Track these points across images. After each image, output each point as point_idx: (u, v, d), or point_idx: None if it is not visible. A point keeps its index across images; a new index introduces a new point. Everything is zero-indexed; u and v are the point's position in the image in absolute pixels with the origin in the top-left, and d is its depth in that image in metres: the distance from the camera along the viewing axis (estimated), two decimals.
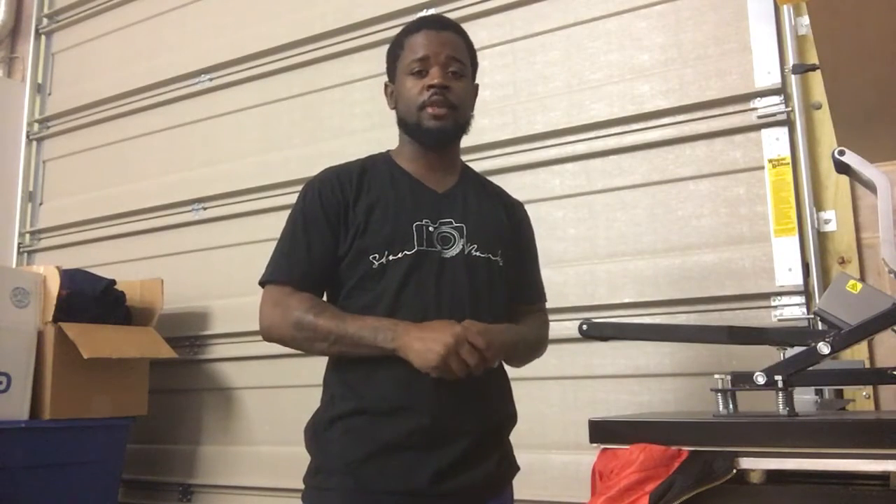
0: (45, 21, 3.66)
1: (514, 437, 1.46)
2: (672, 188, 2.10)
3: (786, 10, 1.96)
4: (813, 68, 1.70)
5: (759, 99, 2.00)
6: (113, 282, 2.64)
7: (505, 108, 2.38)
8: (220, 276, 2.85)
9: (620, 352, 2.06)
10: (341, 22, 2.70)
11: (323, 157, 2.15)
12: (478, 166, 1.86)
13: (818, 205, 1.92)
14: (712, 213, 2.03)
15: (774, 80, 1.98)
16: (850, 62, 1.18)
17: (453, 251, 1.37)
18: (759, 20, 2.02)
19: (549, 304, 1.60)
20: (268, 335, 1.36)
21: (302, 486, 1.37)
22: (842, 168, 1.35)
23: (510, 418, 1.46)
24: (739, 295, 1.95)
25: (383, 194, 1.39)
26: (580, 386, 2.13)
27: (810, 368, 1.25)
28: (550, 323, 1.58)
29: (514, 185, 1.84)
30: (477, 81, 1.51)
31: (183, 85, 3.10)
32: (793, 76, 1.93)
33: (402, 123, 1.44)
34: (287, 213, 1.44)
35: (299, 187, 1.45)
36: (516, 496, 1.46)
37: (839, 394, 1.65)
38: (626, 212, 2.15)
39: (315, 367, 1.46)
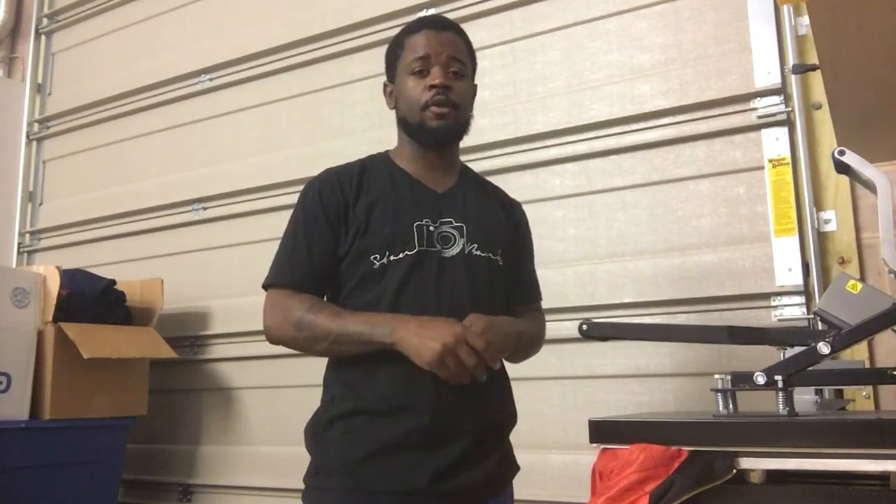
0: (45, 21, 3.66)
1: (514, 437, 1.46)
2: (672, 188, 2.10)
3: (786, 10, 1.96)
4: (813, 68, 1.70)
5: (759, 99, 2.00)
6: (113, 282, 2.64)
7: (505, 108, 2.38)
8: (220, 276, 2.85)
9: (620, 352, 2.06)
10: (341, 22, 2.70)
11: (323, 157, 2.16)
12: (478, 166, 1.87)
13: (818, 205, 1.92)
14: (712, 213, 2.04)
15: (774, 80, 1.98)
16: (850, 62, 1.18)
17: (454, 250, 1.38)
18: (759, 20, 2.02)
19: (549, 304, 1.60)
20: (270, 337, 1.37)
21: (302, 486, 1.37)
22: (842, 168, 1.35)
23: (510, 418, 1.46)
24: (739, 295, 1.95)
25: (383, 194, 1.39)
26: (580, 386, 2.13)
27: (810, 368, 1.25)
28: (551, 323, 1.58)
29: (514, 185, 1.84)
30: (477, 81, 1.51)
31: (183, 85, 3.10)
32: (793, 76, 1.93)
33: (404, 123, 1.44)
34: (287, 213, 1.44)
35: (299, 187, 1.45)
36: (516, 496, 1.46)
37: (839, 394, 1.65)
38: (626, 212, 2.15)
39: (315, 367, 1.46)
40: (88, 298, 2.51)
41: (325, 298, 1.41)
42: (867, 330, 1.20)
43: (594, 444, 1.23)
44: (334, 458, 1.33)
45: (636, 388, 2.05)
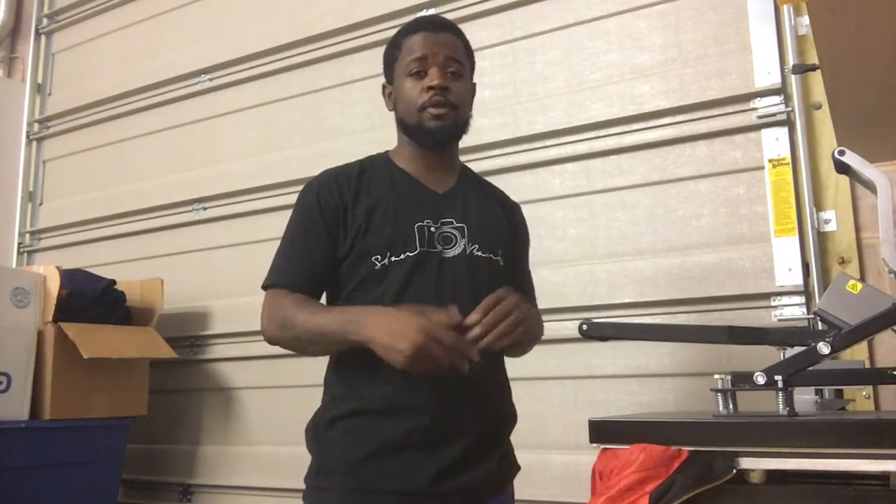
0: (45, 21, 3.66)
1: (514, 437, 1.46)
2: (672, 188, 2.10)
3: (786, 10, 1.96)
4: (813, 68, 1.70)
5: (759, 99, 2.00)
6: (113, 282, 2.64)
7: (505, 108, 2.38)
8: (220, 276, 2.85)
9: (620, 352, 2.06)
10: (341, 22, 2.70)
11: (323, 157, 2.16)
12: (478, 166, 1.87)
13: (818, 205, 1.92)
14: (712, 213, 2.03)
15: (774, 80, 1.98)
16: (850, 62, 1.18)
17: (455, 251, 1.38)
18: (759, 20, 2.02)
19: (549, 304, 1.61)
20: (264, 338, 1.37)
21: (302, 486, 1.37)
22: (842, 168, 1.35)
23: (510, 418, 1.46)
24: (739, 295, 1.95)
25: (383, 195, 1.39)
26: (580, 386, 2.12)
27: (810, 368, 1.25)
28: (551, 323, 1.58)
29: (514, 185, 1.84)
30: (477, 81, 1.51)
31: (183, 85, 3.09)
32: (793, 76, 1.93)
33: (402, 124, 1.44)
34: (287, 213, 1.44)
35: (299, 187, 1.45)
36: (516, 496, 1.46)
37: (839, 394, 1.65)
38: (626, 212, 2.15)
39: (315, 368, 1.46)
40: (88, 298, 2.51)
41: (323, 299, 1.41)
42: (867, 330, 1.20)
43: (594, 444, 1.23)
44: (335, 458, 1.33)
45: (636, 388, 2.05)
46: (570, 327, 1.53)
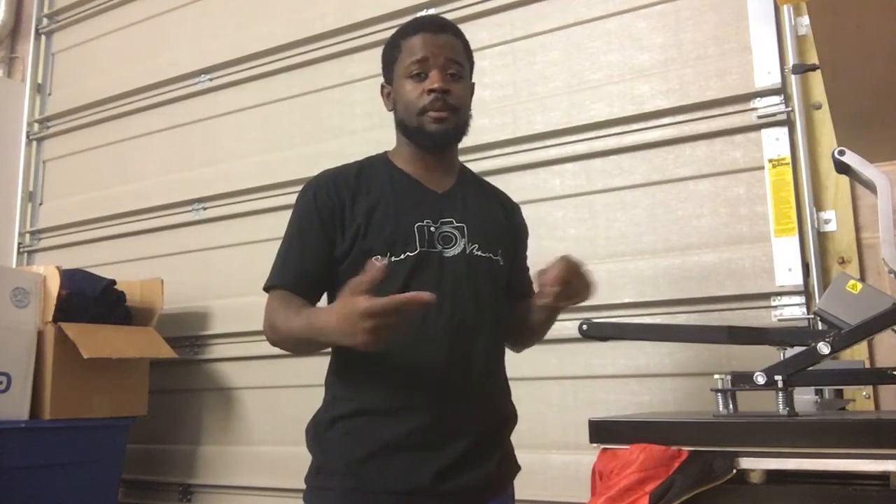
0: (45, 21, 3.66)
1: (514, 437, 1.46)
2: (672, 188, 2.10)
3: (786, 10, 1.96)
4: (813, 68, 1.70)
5: (759, 99, 2.00)
6: (113, 282, 2.64)
7: (505, 108, 2.38)
8: (220, 276, 2.85)
9: (620, 352, 2.06)
10: (341, 22, 2.70)
11: (323, 157, 2.15)
12: (478, 166, 1.87)
13: (818, 205, 1.92)
14: (712, 213, 2.03)
15: (774, 80, 1.98)
16: (850, 62, 1.19)
17: (455, 250, 1.38)
18: (759, 20, 2.02)
19: None
20: (267, 339, 1.38)
21: (302, 486, 1.37)
22: (842, 168, 1.35)
23: (511, 418, 1.46)
24: (739, 295, 1.95)
25: (383, 195, 1.39)
26: (580, 386, 2.12)
27: (810, 368, 1.25)
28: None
29: (514, 185, 1.84)
30: (477, 81, 1.51)
31: (183, 85, 3.09)
32: (793, 76, 1.93)
33: (402, 126, 1.44)
34: (287, 213, 1.44)
35: (299, 187, 1.45)
36: (516, 496, 1.46)
37: (839, 394, 1.65)
38: (626, 212, 2.15)
39: (315, 368, 1.46)
40: (88, 298, 2.51)
41: (324, 300, 1.41)
42: (867, 330, 1.20)
43: (594, 444, 1.23)
44: (335, 458, 1.33)
45: (636, 388, 2.05)
46: (570, 327, 1.52)
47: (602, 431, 1.23)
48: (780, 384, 1.23)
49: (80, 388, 2.40)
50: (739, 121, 2.02)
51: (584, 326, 1.47)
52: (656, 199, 2.11)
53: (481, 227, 1.42)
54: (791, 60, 1.95)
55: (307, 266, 1.37)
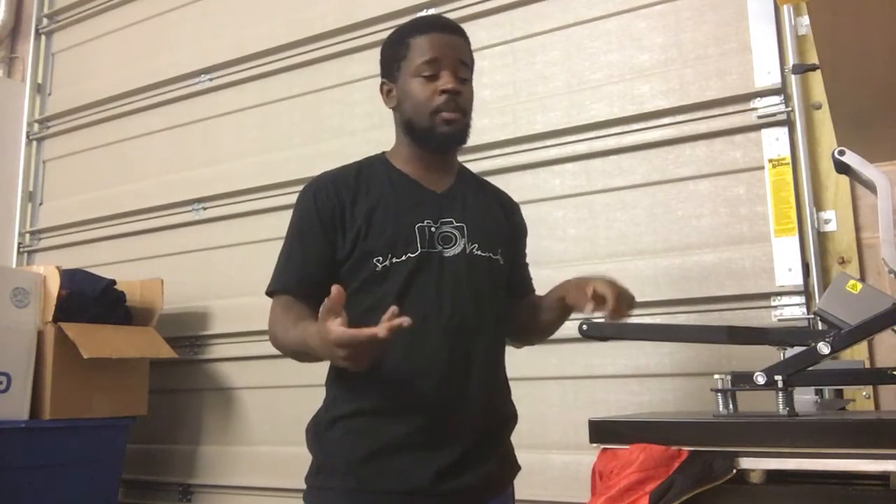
0: (45, 21, 3.66)
1: (514, 437, 1.46)
2: (672, 188, 2.10)
3: (786, 10, 1.96)
4: (813, 68, 1.70)
5: (759, 99, 2.00)
6: (113, 282, 2.64)
7: (505, 108, 2.38)
8: (220, 276, 2.85)
9: (620, 352, 2.06)
10: (341, 22, 2.70)
11: (323, 157, 2.16)
12: (478, 166, 1.87)
13: (818, 205, 1.92)
14: (712, 213, 2.03)
15: (774, 80, 1.98)
16: (850, 62, 1.18)
17: (455, 250, 1.38)
18: (759, 20, 2.02)
19: None
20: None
21: (302, 486, 1.37)
22: (842, 168, 1.35)
23: (511, 418, 1.46)
24: (739, 295, 1.95)
25: (383, 196, 1.39)
26: (580, 386, 2.12)
27: (810, 368, 1.25)
28: None
29: (514, 185, 1.84)
30: (476, 81, 1.51)
31: (183, 85, 3.09)
32: (793, 76, 1.93)
33: (409, 126, 1.42)
34: (287, 213, 1.44)
35: (299, 187, 1.45)
36: (516, 496, 1.47)
37: (839, 394, 1.65)
38: (626, 212, 2.15)
39: (315, 368, 1.46)
40: (88, 298, 2.51)
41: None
42: (867, 330, 1.20)
43: (594, 444, 1.23)
44: (336, 458, 1.33)
45: (636, 388, 2.05)
46: (570, 327, 1.52)
47: (602, 431, 1.23)
48: (780, 384, 1.23)
49: (80, 388, 2.40)
50: (739, 121, 2.02)
51: (584, 326, 1.47)
52: (656, 199, 2.11)
53: (481, 226, 1.42)
54: (791, 60, 1.95)
55: (309, 269, 1.37)
